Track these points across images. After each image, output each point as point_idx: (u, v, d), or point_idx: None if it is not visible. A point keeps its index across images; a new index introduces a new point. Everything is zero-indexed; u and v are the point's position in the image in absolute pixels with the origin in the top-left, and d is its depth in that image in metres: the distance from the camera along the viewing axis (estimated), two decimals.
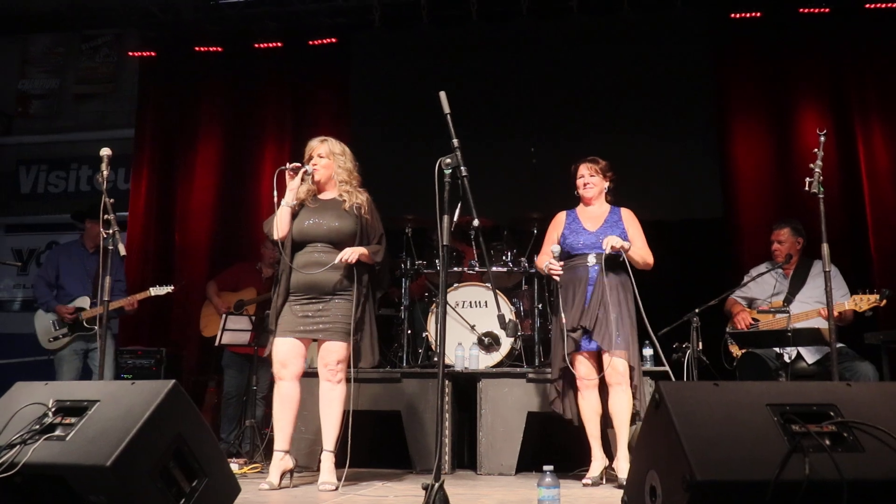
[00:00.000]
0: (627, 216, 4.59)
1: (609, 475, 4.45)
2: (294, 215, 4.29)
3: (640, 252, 4.43)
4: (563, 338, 4.39)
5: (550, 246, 4.56)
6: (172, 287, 5.93)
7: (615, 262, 4.36)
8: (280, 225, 4.23)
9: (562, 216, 4.70)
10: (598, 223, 4.54)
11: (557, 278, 4.43)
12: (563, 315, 4.40)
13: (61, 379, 5.66)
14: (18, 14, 8.34)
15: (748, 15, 7.21)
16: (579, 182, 4.64)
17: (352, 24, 7.86)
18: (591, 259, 4.41)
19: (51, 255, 6.12)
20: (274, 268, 6.10)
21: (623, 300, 4.36)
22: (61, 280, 5.86)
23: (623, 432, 4.33)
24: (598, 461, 4.43)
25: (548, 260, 4.48)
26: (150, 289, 5.83)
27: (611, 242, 4.30)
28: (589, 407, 4.43)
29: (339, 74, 7.96)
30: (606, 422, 4.46)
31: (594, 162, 4.64)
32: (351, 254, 4.15)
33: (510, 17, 7.55)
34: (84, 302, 5.79)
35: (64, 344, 5.76)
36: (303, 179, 4.26)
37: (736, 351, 5.29)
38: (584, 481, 4.32)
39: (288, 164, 4.26)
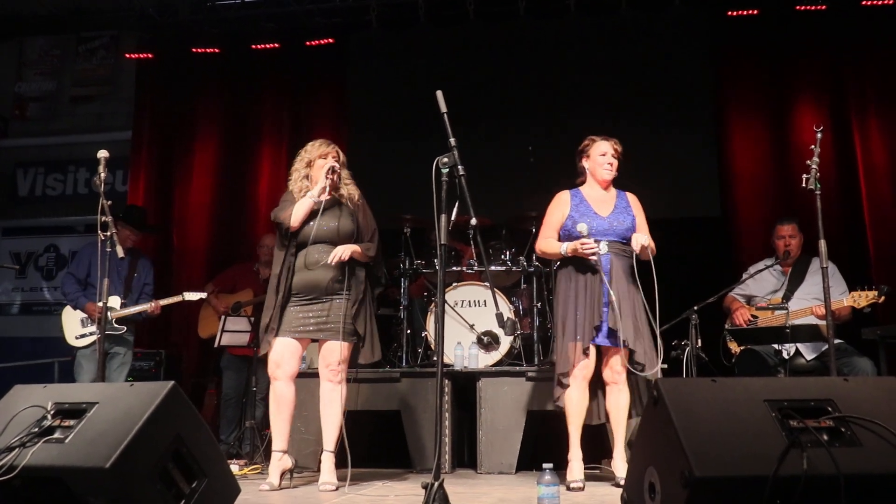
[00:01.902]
0: (635, 202, 4.40)
1: (605, 473, 4.37)
2: None
3: (651, 245, 4.25)
4: (577, 330, 4.12)
5: (551, 228, 4.29)
6: (206, 294, 5.97)
7: (623, 251, 4.20)
8: (298, 214, 4.21)
9: (566, 196, 4.37)
10: (608, 208, 4.29)
11: (595, 258, 4.08)
12: (575, 307, 4.15)
13: (81, 377, 5.58)
14: (14, 16, 8.35)
15: (745, 12, 7.21)
16: (601, 160, 4.30)
17: (349, 25, 7.86)
18: (604, 247, 4.15)
19: (82, 253, 5.94)
20: (271, 268, 6.10)
21: (632, 291, 4.17)
22: (91, 278, 5.71)
23: (620, 430, 4.20)
24: (578, 461, 4.18)
25: (574, 244, 4.10)
26: (184, 293, 5.82)
27: (640, 242, 4.09)
28: (582, 402, 4.19)
29: (336, 75, 7.97)
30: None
31: (617, 143, 4.35)
32: (344, 250, 4.16)
33: (508, 17, 7.55)
34: (114, 302, 5.63)
35: (91, 342, 5.62)
36: (329, 177, 4.25)
37: (735, 348, 5.29)
38: (572, 485, 4.04)
39: (336, 165, 4.27)
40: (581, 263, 4.20)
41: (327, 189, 4.23)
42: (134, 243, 5.86)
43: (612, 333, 4.13)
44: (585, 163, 4.39)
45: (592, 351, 4.17)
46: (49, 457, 2.68)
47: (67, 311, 5.78)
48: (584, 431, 4.27)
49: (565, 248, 4.17)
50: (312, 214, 4.24)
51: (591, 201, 4.31)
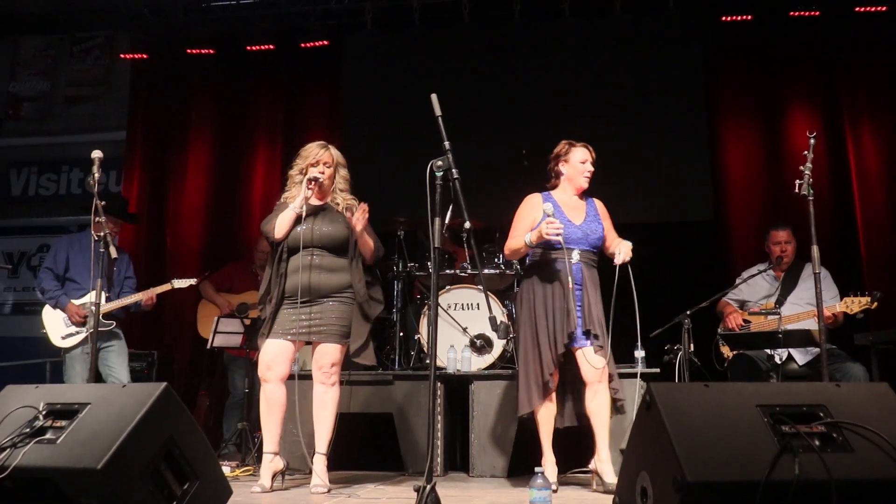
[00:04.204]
0: (602, 209, 4.37)
1: (575, 479, 4.33)
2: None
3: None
4: (549, 337, 4.09)
5: (521, 230, 4.22)
6: (196, 280, 5.78)
7: (592, 260, 4.21)
8: (281, 226, 4.22)
9: (538, 199, 4.29)
10: (580, 216, 4.25)
11: (560, 238, 3.95)
12: (545, 316, 4.12)
13: (73, 379, 5.31)
14: (8, 16, 8.32)
15: (739, 18, 7.23)
16: (582, 167, 4.26)
17: (344, 27, 7.86)
18: (576, 256, 4.11)
19: (58, 246, 5.64)
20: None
21: (598, 299, 4.17)
22: (71, 273, 5.49)
23: (604, 433, 4.13)
24: (552, 465, 4.22)
25: (538, 227, 3.99)
26: (173, 280, 5.62)
27: (625, 257, 4.07)
28: (551, 409, 4.20)
29: (331, 77, 7.97)
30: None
31: (593, 150, 4.33)
32: (362, 219, 4.15)
33: (502, 20, 7.55)
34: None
35: (78, 342, 5.36)
36: (310, 188, 4.25)
37: (727, 352, 5.31)
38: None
39: (318, 174, 4.23)
40: (548, 270, 4.17)
41: (309, 198, 4.22)
42: (117, 234, 5.69)
43: (587, 334, 4.11)
44: (563, 167, 4.32)
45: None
46: (41, 457, 2.67)
47: (48, 311, 5.50)
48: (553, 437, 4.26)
49: (529, 236, 4.08)
50: (305, 217, 4.22)
51: (564, 208, 4.23)
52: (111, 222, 5.46)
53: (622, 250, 4.11)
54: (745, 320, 5.35)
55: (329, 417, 4.21)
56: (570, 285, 4.04)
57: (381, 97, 7.76)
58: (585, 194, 4.38)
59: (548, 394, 4.16)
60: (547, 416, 4.20)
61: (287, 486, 4.30)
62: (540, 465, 3.78)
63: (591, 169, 4.29)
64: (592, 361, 4.08)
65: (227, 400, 6.34)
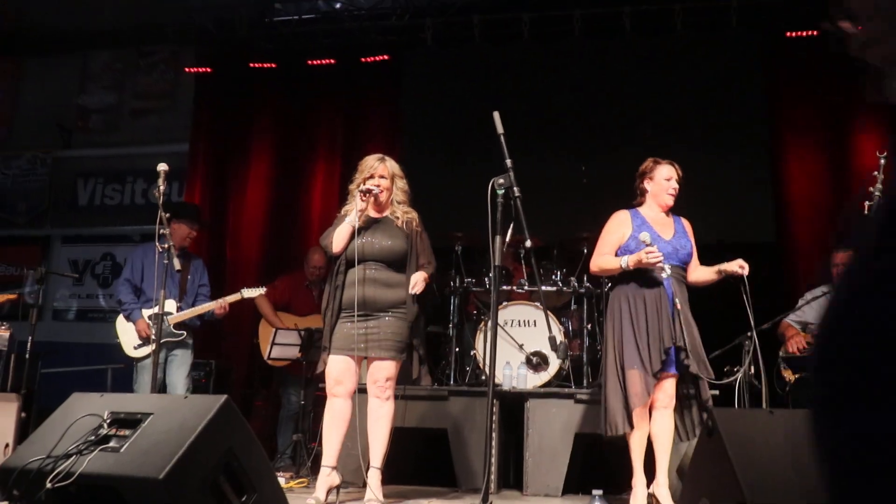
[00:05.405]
0: (689, 228, 4.34)
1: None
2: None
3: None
4: (644, 356, 3.99)
5: (608, 245, 4.18)
6: (265, 289, 5.82)
7: (682, 277, 4.15)
8: (339, 240, 4.25)
9: (626, 216, 4.25)
10: (669, 231, 4.21)
11: (662, 265, 3.96)
12: (644, 328, 4.03)
13: (141, 389, 5.31)
14: (79, 31, 8.57)
15: (804, 34, 7.09)
16: (666, 184, 4.22)
17: (404, 42, 7.93)
18: (668, 270, 4.01)
19: (134, 256, 5.68)
20: (320, 285, 6.06)
21: (692, 319, 4.10)
22: (144, 284, 5.51)
23: (665, 458, 4.07)
24: (642, 487, 4.09)
25: (637, 254, 3.98)
26: (242, 290, 5.66)
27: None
28: (646, 428, 4.07)
29: (390, 91, 8.03)
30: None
31: (679, 168, 4.30)
32: (421, 282, 4.22)
33: (562, 37, 7.53)
34: (170, 306, 5.34)
35: (149, 352, 5.25)
36: (364, 199, 4.28)
37: (789, 375, 5.19)
38: None
39: (372, 186, 4.26)
40: (641, 282, 4.11)
41: (364, 210, 4.24)
42: (192, 241, 5.74)
43: (670, 358, 4.03)
44: (648, 185, 4.29)
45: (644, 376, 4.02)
46: (105, 465, 2.73)
47: (122, 321, 5.53)
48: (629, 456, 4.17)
49: (626, 260, 4.05)
50: (361, 233, 4.24)
51: (653, 224, 4.21)
52: (187, 226, 5.57)
53: (742, 263, 4.18)
54: (808, 343, 5.22)
55: (383, 432, 4.21)
56: (679, 306, 4.03)
57: (441, 112, 7.80)
58: (672, 212, 4.35)
59: (631, 425, 4.04)
60: (641, 437, 4.08)
61: (342, 500, 4.31)
62: (596, 485, 3.72)
63: (676, 186, 4.25)
64: (667, 389, 4.05)
65: (280, 412, 6.36)
